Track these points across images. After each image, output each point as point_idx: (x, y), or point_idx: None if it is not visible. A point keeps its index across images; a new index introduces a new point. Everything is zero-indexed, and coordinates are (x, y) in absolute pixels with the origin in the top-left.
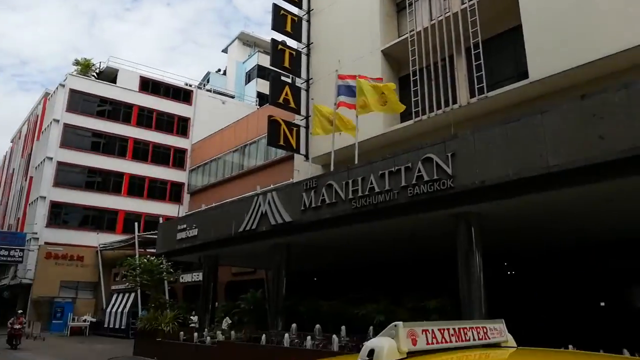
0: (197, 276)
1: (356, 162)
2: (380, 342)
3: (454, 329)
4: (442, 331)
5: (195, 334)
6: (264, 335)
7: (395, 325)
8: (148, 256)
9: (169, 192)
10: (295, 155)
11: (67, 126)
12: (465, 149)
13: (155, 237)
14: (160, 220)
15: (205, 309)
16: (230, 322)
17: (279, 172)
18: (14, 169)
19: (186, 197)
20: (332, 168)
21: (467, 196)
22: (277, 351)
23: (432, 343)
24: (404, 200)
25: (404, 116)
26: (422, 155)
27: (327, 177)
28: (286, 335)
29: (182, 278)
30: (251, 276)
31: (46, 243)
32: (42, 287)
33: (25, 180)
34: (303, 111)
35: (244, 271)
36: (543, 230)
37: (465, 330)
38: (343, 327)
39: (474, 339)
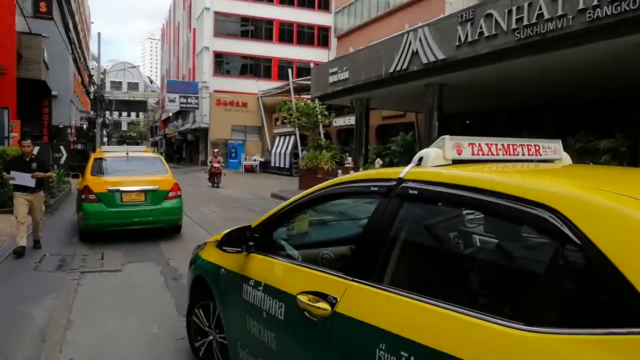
0: (349, 120)
1: None
2: (428, 151)
3: (502, 144)
4: (489, 145)
5: (352, 172)
6: None
7: (443, 138)
8: (304, 100)
9: (317, 37)
10: None
11: None
12: None
13: (308, 83)
14: (311, 66)
15: (359, 151)
16: (381, 162)
17: (428, 8)
18: (179, 22)
19: (334, 42)
20: None
21: None
22: None
23: (478, 154)
24: (580, 27)
25: None
26: None
27: (486, 6)
28: None
29: (335, 122)
30: (401, 119)
31: (215, 91)
32: (216, 130)
33: (190, 31)
34: None
35: (394, 114)
36: None
37: (514, 146)
38: None
39: (524, 155)
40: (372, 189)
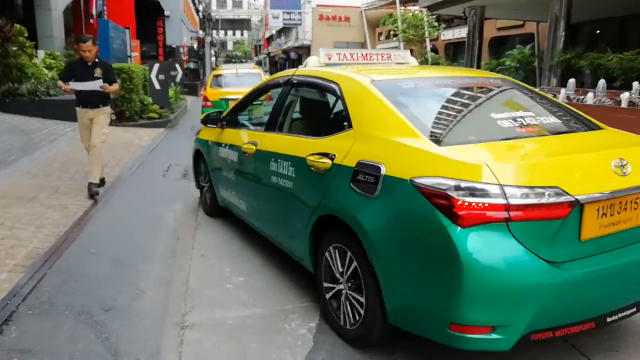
0: (459, 32)
1: None
2: (310, 58)
3: (362, 54)
4: (352, 55)
5: None
6: None
7: (319, 50)
8: (411, 11)
9: None
10: None
11: None
12: None
13: None
14: None
15: (470, 66)
16: None
17: None
18: None
19: None
20: None
21: None
22: None
23: (342, 60)
24: None
25: None
26: None
27: None
28: (562, 90)
29: (444, 35)
30: (519, 30)
31: (317, 5)
32: (319, 47)
33: None
34: None
35: (512, 25)
36: None
37: (371, 55)
38: (635, 83)
39: (379, 60)
40: (280, 81)
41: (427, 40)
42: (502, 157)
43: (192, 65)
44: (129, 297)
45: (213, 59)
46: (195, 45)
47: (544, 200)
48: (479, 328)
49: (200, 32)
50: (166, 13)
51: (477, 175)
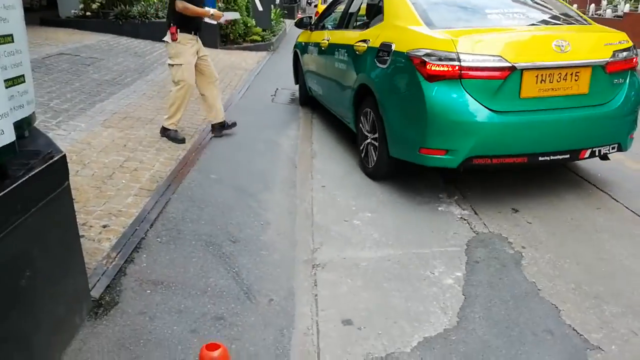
0: None
1: None
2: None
3: None
4: None
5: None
6: None
7: None
8: None
9: None
10: None
11: None
12: None
13: None
14: None
15: None
16: None
17: None
18: None
19: None
20: None
21: None
22: None
23: None
24: None
25: None
26: None
27: None
28: None
29: None
30: None
31: None
32: None
33: None
34: None
35: None
36: None
37: None
38: None
39: None
40: None
41: None
42: (466, 35)
43: None
44: (255, 228)
45: None
46: None
47: (487, 64)
48: (437, 150)
49: None
50: None
51: (443, 46)
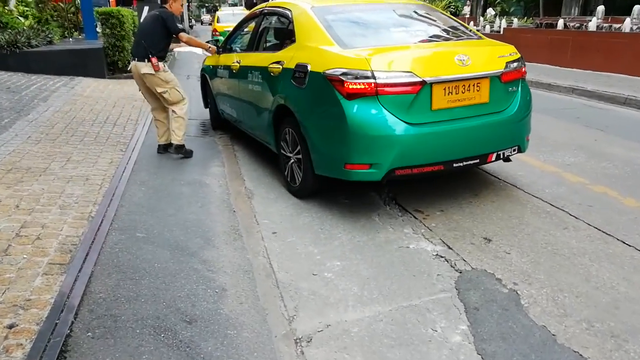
0: None
1: None
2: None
3: None
4: None
5: (470, 24)
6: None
7: None
8: None
9: None
10: None
11: None
12: None
13: None
14: None
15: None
16: (493, 13)
17: None
18: None
19: None
20: None
21: None
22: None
23: None
24: None
25: None
26: None
27: None
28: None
29: None
30: None
31: None
32: None
33: None
34: None
35: None
36: None
37: None
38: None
39: None
40: (256, 12)
41: None
42: (379, 54)
43: None
44: (210, 299)
45: (186, 4)
46: None
47: (400, 80)
48: (362, 165)
49: None
50: None
51: (358, 65)
